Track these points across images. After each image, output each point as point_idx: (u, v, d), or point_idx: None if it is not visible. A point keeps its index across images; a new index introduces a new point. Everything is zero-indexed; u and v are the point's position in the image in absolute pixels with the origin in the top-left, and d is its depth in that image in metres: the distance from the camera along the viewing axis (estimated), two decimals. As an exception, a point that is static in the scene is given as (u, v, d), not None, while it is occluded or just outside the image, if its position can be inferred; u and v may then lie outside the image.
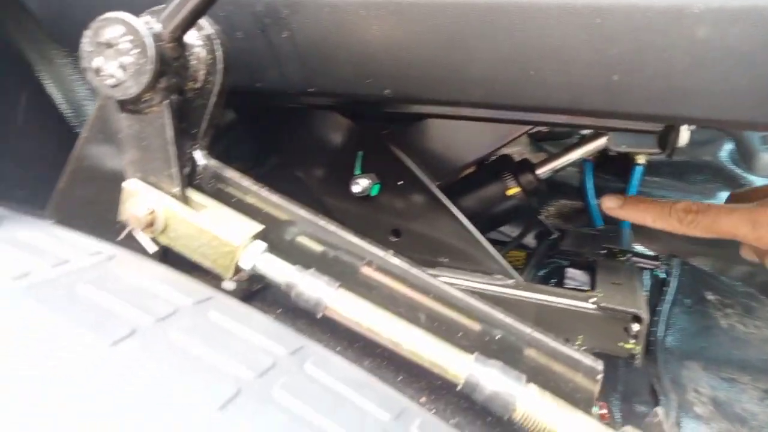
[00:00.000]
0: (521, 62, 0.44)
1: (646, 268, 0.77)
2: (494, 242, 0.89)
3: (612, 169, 1.20)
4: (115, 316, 0.30)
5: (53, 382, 0.25)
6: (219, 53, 0.44)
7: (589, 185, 1.16)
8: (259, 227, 0.43)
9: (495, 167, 0.69)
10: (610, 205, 0.69)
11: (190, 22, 0.40)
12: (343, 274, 0.44)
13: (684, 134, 0.61)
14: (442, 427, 0.33)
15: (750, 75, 0.38)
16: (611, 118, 0.49)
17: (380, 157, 0.68)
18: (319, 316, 0.41)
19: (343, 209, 0.71)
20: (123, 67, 0.40)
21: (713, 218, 0.62)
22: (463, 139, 0.67)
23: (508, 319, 0.42)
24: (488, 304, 0.43)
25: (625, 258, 0.75)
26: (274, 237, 0.45)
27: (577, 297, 0.59)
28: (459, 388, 0.39)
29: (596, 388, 0.41)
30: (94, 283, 0.33)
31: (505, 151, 0.92)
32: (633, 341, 0.57)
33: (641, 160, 1.17)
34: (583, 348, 0.58)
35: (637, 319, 0.56)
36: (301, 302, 0.41)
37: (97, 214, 0.48)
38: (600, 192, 1.15)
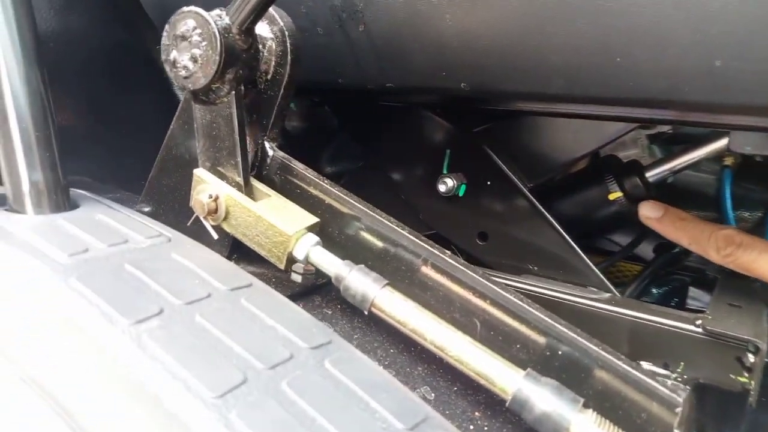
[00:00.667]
0: (606, 47, 0.39)
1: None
2: (602, 252, 0.82)
3: (756, 177, 1.05)
4: (149, 296, 0.31)
5: (58, 355, 0.26)
6: (289, 45, 0.44)
7: (727, 195, 1.02)
8: (314, 219, 0.43)
9: (597, 169, 0.63)
10: (648, 214, 0.61)
11: (257, 15, 0.41)
12: (400, 271, 0.43)
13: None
14: (466, 445, 0.30)
15: None
16: (717, 113, 0.42)
17: (470, 157, 0.65)
18: (366, 312, 0.39)
19: (429, 209, 0.69)
20: (194, 58, 0.41)
21: (755, 257, 0.54)
22: (559, 138, 0.62)
23: (573, 334, 0.38)
24: (552, 316, 0.39)
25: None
26: (334, 230, 0.45)
27: (680, 317, 0.52)
28: (507, 404, 0.35)
29: (675, 422, 0.35)
30: (141, 263, 0.34)
31: (621, 155, 0.84)
32: (747, 374, 0.48)
33: (795, 167, 1.01)
34: (685, 377, 0.51)
35: (754, 348, 0.48)
36: (349, 297, 0.40)
37: (180, 201, 0.50)
38: (740, 203, 1.01)
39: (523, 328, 0.39)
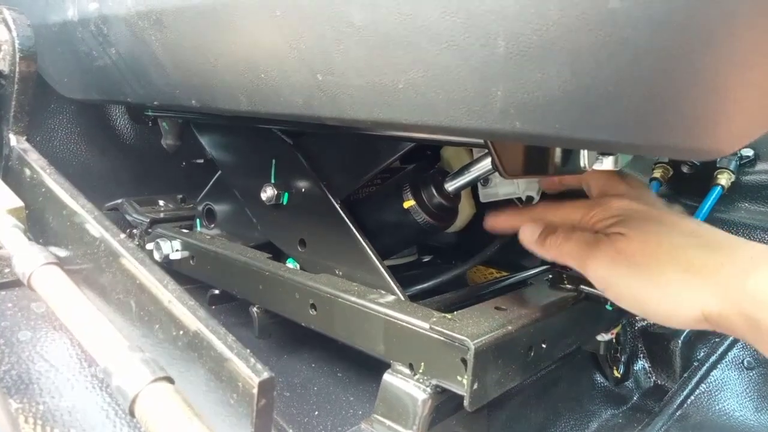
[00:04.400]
0: (248, 65, 0.41)
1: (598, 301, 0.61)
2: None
3: (687, 189, 0.99)
4: None
5: None
6: (18, 46, 0.49)
7: (649, 208, 0.96)
8: (18, 204, 0.46)
9: (400, 179, 0.62)
10: (526, 238, 0.56)
11: None
12: (89, 255, 0.45)
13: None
14: None
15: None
16: (346, 125, 0.41)
17: (290, 167, 0.66)
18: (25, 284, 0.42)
19: (259, 216, 0.71)
20: None
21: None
22: (360, 152, 0.62)
23: (195, 317, 0.38)
24: (187, 302, 0.39)
25: (573, 287, 0.61)
26: (49, 216, 0.48)
27: (422, 316, 0.51)
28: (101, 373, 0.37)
29: (252, 401, 0.35)
30: None
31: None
32: (466, 375, 0.46)
33: (722, 179, 0.94)
34: (425, 378, 0.50)
35: (466, 348, 0.46)
36: (19, 275, 0.42)
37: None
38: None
39: (163, 310, 0.40)
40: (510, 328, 0.49)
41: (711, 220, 0.94)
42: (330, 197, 0.62)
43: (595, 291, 0.60)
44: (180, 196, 0.91)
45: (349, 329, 0.57)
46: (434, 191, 0.59)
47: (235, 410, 0.36)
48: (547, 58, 0.25)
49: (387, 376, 0.52)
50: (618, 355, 0.78)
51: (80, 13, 0.53)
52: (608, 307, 0.62)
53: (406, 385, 0.51)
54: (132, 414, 0.35)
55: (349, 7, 0.32)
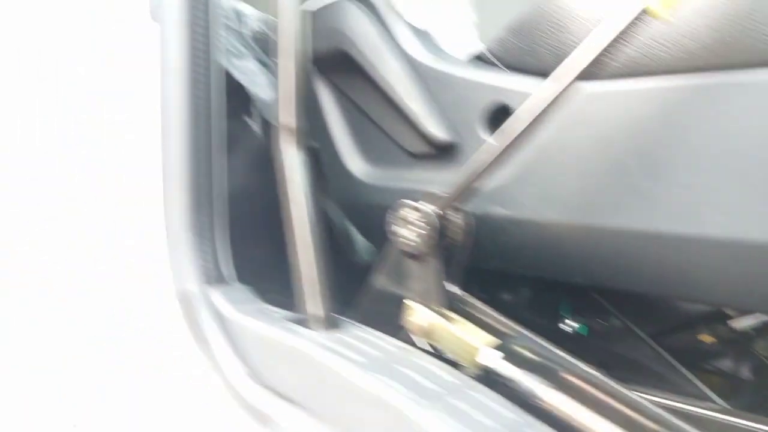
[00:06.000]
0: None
1: None
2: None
3: None
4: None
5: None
6: (467, 225, 0.68)
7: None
8: (495, 341, 0.63)
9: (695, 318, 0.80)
10: None
11: (454, 207, 0.65)
12: (553, 378, 0.62)
13: None
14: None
15: None
16: None
17: (588, 305, 0.84)
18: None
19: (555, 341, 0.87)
20: (418, 235, 0.66)
21: None
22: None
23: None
24: (678, 420, 0.55)
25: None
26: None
27: (763, 421, 0.66)
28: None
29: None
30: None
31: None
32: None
33: None
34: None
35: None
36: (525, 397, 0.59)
37: (385, 320, 0.72)
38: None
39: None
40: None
41: None
42: (639, 333, 0.79)
43: None
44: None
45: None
46: (726, 329, 0.77)
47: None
48: None
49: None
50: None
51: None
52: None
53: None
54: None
55: None
